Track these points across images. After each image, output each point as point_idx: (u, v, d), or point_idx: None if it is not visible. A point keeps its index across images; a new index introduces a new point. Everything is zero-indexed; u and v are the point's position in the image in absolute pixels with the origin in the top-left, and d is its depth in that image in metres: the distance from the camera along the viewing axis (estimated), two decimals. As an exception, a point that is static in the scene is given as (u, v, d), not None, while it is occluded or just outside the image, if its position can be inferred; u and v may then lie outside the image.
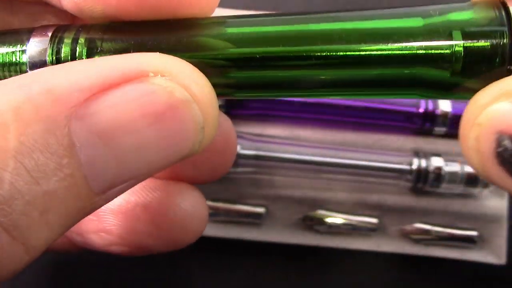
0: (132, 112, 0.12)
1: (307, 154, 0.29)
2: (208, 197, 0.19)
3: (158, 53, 0.13)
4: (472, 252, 0.29)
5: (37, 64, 0.15)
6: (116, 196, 0.13)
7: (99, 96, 0.12)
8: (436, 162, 0.28)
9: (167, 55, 0.13)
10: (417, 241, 0.29)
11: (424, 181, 0.28)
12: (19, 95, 0.12)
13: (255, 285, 0.30)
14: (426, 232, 0.29)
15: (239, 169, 0.29)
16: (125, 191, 0.14)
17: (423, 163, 0.28)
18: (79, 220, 0.13)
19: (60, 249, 0.21)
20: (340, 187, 0.30)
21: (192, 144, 0.13)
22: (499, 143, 0.13)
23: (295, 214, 0.30)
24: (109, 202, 0.14)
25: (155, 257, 0.30)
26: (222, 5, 0.17)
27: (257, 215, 0.29)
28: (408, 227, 0.29)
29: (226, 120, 0.20)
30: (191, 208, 0.18)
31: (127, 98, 0.12)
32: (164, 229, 0.18)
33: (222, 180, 0.30)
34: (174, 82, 0.13)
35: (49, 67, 0.13)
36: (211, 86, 0.14)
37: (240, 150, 0.28)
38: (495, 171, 0.13)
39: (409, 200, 0.30)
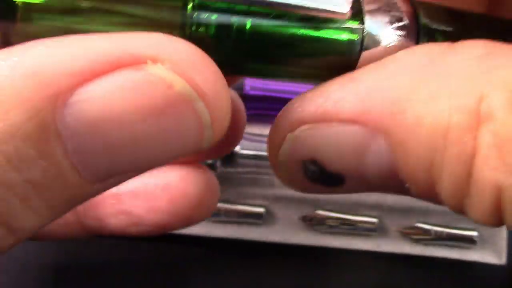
0: (125, 102, 0.11)
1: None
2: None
3: (159, 33, 0.12)
4: (472, 252, 0.29)
5: None
6: (117, 184, 0.13)
7: (89, 82, 0.11)
8: (436, 162, 0.28)
9: (170, 36, 0.12)
10: (417, 241, 0.29)
11: (424, 181, 0.29)
12: (2, 76, 0.11)
13: (255, 285, 0.30)
14: (426, 232, 0.29)
15: (239, 169, 0.29)
16: (127, 180, 0.13)
17: (423, 163, 0.28)
18: (74, 206, 0.12)
19: (75, 236, 0.21)
20: (340, 187, 0.30)
21: (196, 142, 0.12)
22: (305, 168, 0.13)
23: (295, 214, 0.30)
24: (127, 185, 0.13)
25: (155, 257, 0.30)
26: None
27: (257, 215, 0.29)
28: (408, 227, 0.29)
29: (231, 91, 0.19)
30: (206, 186, 0.18)
31: (120, 87, 0.11)
32: (183, 207, 0.18)
33: (222, 180, 0.30)
34: (175, 73, 0.11)
35: (41, 41, 0.11)
36: (222, 75, 0.12)
37: (240, 150, 0.28)
38: (310, 187, 0.14)
39: (409, 200, 0.29)
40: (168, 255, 0.30)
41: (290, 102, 0.14)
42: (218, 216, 0.29)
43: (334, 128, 0.13)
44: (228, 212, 0.29)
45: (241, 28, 0.13)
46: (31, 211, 0.11)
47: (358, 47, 0.14)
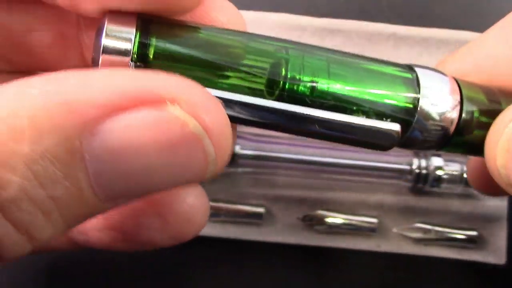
0: (145, 136, 0.13)
1: (307, 154, 0.29)
2: (208, 197, 0.19)
3: (177, 77, 0.14)
4: (472, 252, 0.29)
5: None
6: (124, 203, 0.14)
7: (114, 115, 0.13)
8: (436, 162, 0.28)
9: (185, 79, 0.14)
10: (417, 241, 0.29)
11: (424, 181, 0.29)
12: (37, 102, 0.12)
13: (255, 285, 0.30)
14: (426, 232, 0.29)
15: (239, 169, 0.29)
16: (134, 199, 0.14)
17: (423, 163, 0.28)
18: (84, 220, 0.14)
19: (61, 248, 0.21)
20: (340, 187, 0.30)
21: (200, 175, 0.14)
22: None
23: (295, 214, 0.30)
24: None
25: (155, 257, 0.30)
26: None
27: (257, 215, 0.29)
28: (408, 227, 0.29)
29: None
30: (195, 201, 0.18)
31: (142, 122, 0.13)
32: (170, 223, 0.18)
33: (222, 180, 0.30)
34: (188, 114, 0.13)
35: (73, 74, 0.13)
36: (226, 116, 0.14)
37: (240, 150, 0.28)
38: None
39: (409, 200, 0.30)
40: (168, 255, 0.30)
41: None
42: (218, 216, 0.29)
43: None
44: (228, 212, 0.29)
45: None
46: (50, 223, 0.13)
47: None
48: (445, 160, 0.28)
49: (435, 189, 0.29)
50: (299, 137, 0.30)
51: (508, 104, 0.18)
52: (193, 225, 0.19)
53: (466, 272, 0.30)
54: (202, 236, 0.29)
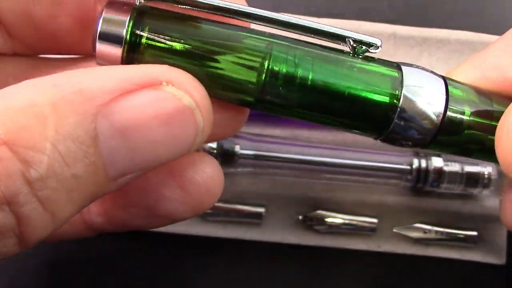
0: (147, 113, 0.15)
1: (307, 154, 0.29)
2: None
3: (167, 65, 0.16)
4: (472, 252, 0.29)
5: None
6: (124, 184, 0.16)
7: (121, 98, 0.15)
8: (436, 162, 0.28)
9: (174, 67, 0.16)
10: (417, 241, 0.29)
11: (424, 181, 0.28)
12: (56, 92, 0.14)
13: (255, 285, 0.30)
14: (426, 232, 0.29)
15: (239, 169, 0.29)
16: (132, 179, 0.16)
17: (423, 163, 0.28)
18: (93, 201, 0.15)
19: (75, 234, 0.21)
20: (340, 187, 0.30)
21: (192, 143, 0.16)
22: None
23: (295, 214, 0.30)
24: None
25: (154, 256, 0.30)
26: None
27: (257, 215, 0.29)
28: (408, 227, 0.29)
29: None
30: (212, 172, 0.19)
31: (144, 102, 0.15)
32: (191, 193, 0.19)
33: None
34: (181, 91, 0.15)
35: (78, 70, 0.15)
36: (207, 94, 0.16)
37: (240, 150, 0.28)
38: None
39: (409, 200, 0.30)
40: (168, 255, 0.30)
41: None
42: (218, 216, 0.29)
43: None
44: (228, 212, 0.29)
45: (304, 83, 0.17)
46: (70, 202, 0.14)
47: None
48: (445, 160, 0.28)
49: (435, 189, 0.29)
50: (299, 137, 0.30)
51: (500, 105, 0.18)
52: (212, 195, 0.19)
53: (466, 272, 0.30)
54: (202, 236, 0.29)
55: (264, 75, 0.17)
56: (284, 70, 0.17)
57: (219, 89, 0.17)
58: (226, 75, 0.17)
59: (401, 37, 0.30)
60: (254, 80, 0.17)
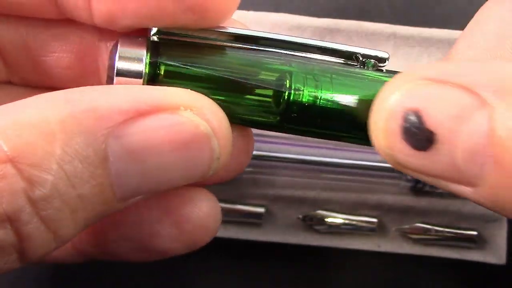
0: (161, 137, 0.15)
1: (307, 154, 0.29)
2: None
3: (188, 89, 0.16)
4: (472, 252, 0.29)
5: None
6: (133, 203, 0.15)
7: (135, 120, 0.14)
8: (436, 162, 0.28)
9: (194, 92, 0.16)
10: (417, 241, 0.29)
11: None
12: (65, 109, 0.13)
13: (255, 285, 0.30)
14: (426, 232, 0.29)
15: (239, 169, 0.29)
16: (142, 199, 0.16)
17: (423, 163, 0.28)
18: (99, 220, 0.15)
19: (63, 260, 0.21)
20: (340, 187, 0.30)
21: (207, 171, 0.16)
22: (405, 119, 0.14)
23: (295, 214, 0.30)
24: (129, 210, 0.16)
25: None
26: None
27: (257, 215, 0.29)
28: (408, 227, 0.29)
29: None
30: (210, 209, 0.19)
31: (159, 125, 0.15)
32: (186, 230, 0.19)
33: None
34: (199, 117, 0.15)
35: (93, 87, 0.15)
36: (228, 122, 0.16)
37: (240, 150, 0.28)
38: (400, 148, 0.14)
39: (409, 200, 0.30)
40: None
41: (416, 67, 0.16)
42: (218, 216, 0.29)
43: (448, 89, 0.14)
44: (228, 212, 0.29)
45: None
46: (74, 221, 0.14)
47: None
48: (445, 160, 0.28)
49: (435, 189, 0.29)
50: (299, 137, 0.30)
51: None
52: (208, 233, 0.19)
53: (466, 272, 0.30)
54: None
55: (287, 94, 0.17)
56: (306, 88, 0.17)
57: (242, 112, 0.17)
58: (249, 97, 0.17)
59: (401, 37, 0.30)
60: (277, 100, 0.17)
